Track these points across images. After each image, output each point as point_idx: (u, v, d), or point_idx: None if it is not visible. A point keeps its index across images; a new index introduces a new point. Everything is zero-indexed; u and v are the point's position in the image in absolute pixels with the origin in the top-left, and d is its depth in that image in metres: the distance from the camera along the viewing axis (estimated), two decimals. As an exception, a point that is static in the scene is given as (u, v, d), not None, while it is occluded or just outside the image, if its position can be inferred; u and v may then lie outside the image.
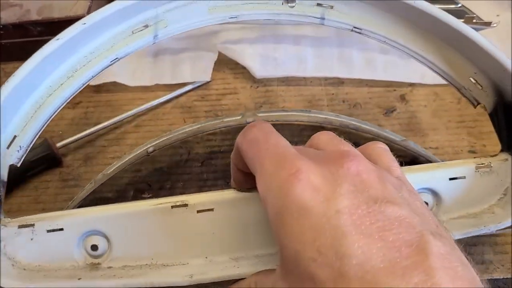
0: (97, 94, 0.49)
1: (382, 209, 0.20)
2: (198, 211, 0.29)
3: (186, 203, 0.28)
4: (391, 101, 0.47)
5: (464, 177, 0.30)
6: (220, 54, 0.50)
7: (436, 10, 0.30)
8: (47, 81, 0.30)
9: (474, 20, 0.47)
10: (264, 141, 0.24)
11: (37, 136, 0.30)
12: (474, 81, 0.32)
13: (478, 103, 0.32)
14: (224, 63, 0.50)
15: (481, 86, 0.32)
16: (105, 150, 0.44)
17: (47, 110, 0.30)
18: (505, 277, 0.35)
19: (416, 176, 0.29)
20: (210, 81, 0.49)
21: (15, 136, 0.30)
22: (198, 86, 0.49)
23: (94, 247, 0.29)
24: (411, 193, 0.23)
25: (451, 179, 0.30)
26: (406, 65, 0.48)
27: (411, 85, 0.48)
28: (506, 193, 0.31)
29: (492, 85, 0.32)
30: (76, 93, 0.31)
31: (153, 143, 0.41)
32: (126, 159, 0.40)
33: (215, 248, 0.29)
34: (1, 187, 0.30)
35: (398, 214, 0.20)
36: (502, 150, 0.32)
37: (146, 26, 0.31)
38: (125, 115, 0.46)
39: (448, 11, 0.50)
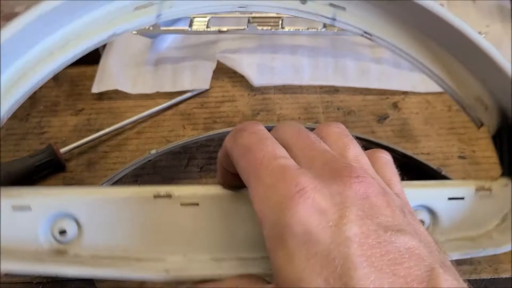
0: (99, 102, 0.50)
1: (392, 239, 0.19)
2: (182, 204, 0.27)
3: (170, 194, 0.27)
4: (384, 108, 0.49)
5: (463, 198, 0.29)
6: (218, 63, 0.51)
7: (455, 19, 0.28)
8: (37, 47, 0.27)
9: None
10: (259, 149, 0.22)
11: (17, 107, 0.28)
12: (480, 101, 0.31)
13: (482, 124, 0.32)
14: (223, 72, 0.52)
15: (486, 107, 0.31)
16: (107, 156, 0.46)
17: (31, 80, 0.27)
18: (492, 277, 0.36)
19: (415, 192, 0.29)
20: (209, 89, 0.50)
21: None
22: (197, 94, 0.50)
23: (63, 232, 0.26)
24: (412, 215, 0.22)
25: (449, 198, 0.29)
26: (399, 74, 0.50)
27: (404, 93, 0.50)
28: (505, 219, 0.30)
29: (497, 107, 0.31)
30: (65, 66, 0.28)
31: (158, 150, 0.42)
32: (131, 165, 0.42)
33: (196, 246, 0.27)
34: None
35: (408, 246, 0.19)
36: (502, 175, 0.31)
37: (151, 4, 0.29)
38: (127, 122, 0.47)
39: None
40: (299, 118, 0.48)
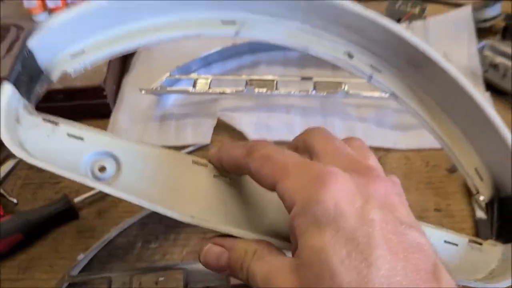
0: (109, 154, 0.55)
1: (406, 232, 0.21)
2: (215, 176, 0.29)
3: (207, 164, 0.29)
4: (369, 163, 0.54)
5: (457, 245, 0.32)
6: (218, 119, 0.57)
7: (475, 94, 0.32)
8: (137, 22, 0.32)
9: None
10: (278, 154, 0.24)
11: (101, 61, 0.32)
12: (477, 172, 0.35)
13: (478, 192, 0.35)
14: (222, 127, 0.57)
15: (482, 179, 0.35)
16: (116, 205, 0.50)
17: (121, 46, 0.32)
18: None
19: None
20: (209, 144, 0.56)
21: (83, 51, 0.31)
22: (199, 148, 0.55)
23: (103, 169, 0.28)
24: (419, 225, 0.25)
25: (445, 241, 0.32)
26: (382, 133, 0.55)
27: (386, 150, 0.55)
28: (492, 273, 0.32)
29: (492, 180, 0.34)
30: (151, 43, 0.33)
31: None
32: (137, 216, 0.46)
33: (221, 216, 0.28)
34: (45, 84, 0.31)
35: (418, 241, 0.21)
36: (492, 238, 0.35)
37: (234, 23, 0.34)
38: (135, 173, 0.52)
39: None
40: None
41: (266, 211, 0.29)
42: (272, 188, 0.23)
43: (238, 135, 0.56)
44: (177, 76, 0.58)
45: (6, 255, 0.46)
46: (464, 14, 0.64)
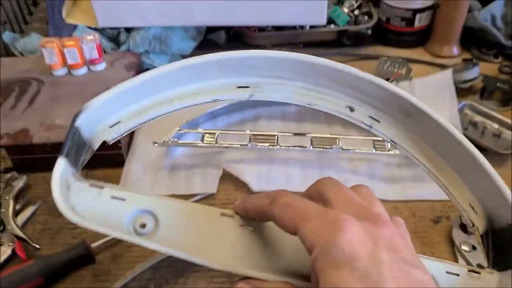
0: (123, 201, 0.59)
1: (411, 270, 0.24)
2: (241, 225, 0.33)
3: (233, 215, 0.33)
4: (361, 213, 0.59)
5: (458, 275, 0.36)
6: (224, 170, 0.62)
7: (463, 139, 0.36)
8: (163, 93, 0.37)
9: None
10: (298, 202, 0.27)
11: (135, 129, 0.37)
12: (472, 207, 0.39)
13: (473, 225, 0.39)
14: (227, 178, 0.62)
15: (476, 213, 0.39)
16: (130, 250, 0.54)
17: (151, 114, 0.36)
18: None
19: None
20: (215, 193, 0.60)
21: (119, 121, 0.35)
22: (206, 196, 0.60)
23: (143, 225, 0.32)
24: (421, 261, 0.27)
25: (447, 272, 0.36)
26: (373, 185, 0.61)
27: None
28: None
29: (485, 213, 0.38)
30: (178, 110, 0.37)
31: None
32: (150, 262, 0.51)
33: (247, 261, 0.32)
34: (89, 153, 0.35)
35: (421, 279, 0.24)
36: (488, 266, 0.38)
37: (248, 87, 0.38)
38: (147, 220, 0.57)
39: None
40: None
41: (286, 253, 0.32)
42: (294, 232, 0.27)
43: (242, 185, 0.61)
44: (186, 130, 0.64)
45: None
46: (445, 77, 0.71)
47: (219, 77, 0.38)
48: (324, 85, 0.39)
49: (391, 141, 0.39)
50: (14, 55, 0.84)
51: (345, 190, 0.30)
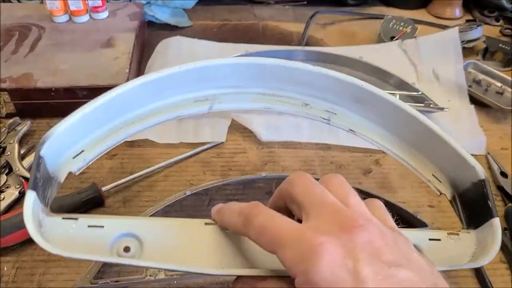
0: (130, 148, 0.59)
1: (395, 273, 0.23)
2: (226, 229, 0.33)
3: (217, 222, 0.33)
4: (368, 164, 0.60)
5: (440, 240, 0.38)
6: (233, 120, 0.62)
7: (417, 114, 0.38)
8: (123, 117, 0.37)
9: (431, 105, 0.61)
10: (274, 222, 0.27)
11: (99, 156, 0.36)
12: (435, 177, 0.41)
13: (441, 193, 0.42)
14: (236, 128, 0.62)
15: (441, 181, 0.41)
16: (140, 195, 0.54)
17: (113, 140, 0.37)
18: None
19: (405, 233, 0.37)
20: (224, 142, 0.60)
21: (82, 151, 0.35)
22: (215, 145, 0.60)
23: (127, 249, 0.31)
24: (406, 243, 0.27)
25: (430, 239, 0.38)
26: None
27: (384, 152, 0.60)
28: (474, 256, 0.38)
29: (449, 180, 0.40)
30: (139, 131, 0.38)
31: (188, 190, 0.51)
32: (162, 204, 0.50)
33: (237, 262, 0.32)
34: (55, 187, 0.34)
35: (407, 277, 0.24)
36: (463, 228, 0.40)
37: (206, 100, 0.40)
38: (156, 167, 0.56)
39: (411, 97, 0.65)
40: (299, 169, 0.58)
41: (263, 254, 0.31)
42: (273, 253, 0.26)
43: (250, 135, 0.61)
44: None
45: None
46: (452, 35, 0.72)
47: (178, 93, 0.39)
48: (279, 87, 0.40)
49: (350, 130, 0.41)
50: (10, 1, 0.81)
51: (316, 190, 0.29)
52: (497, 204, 0.54)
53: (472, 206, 0.39)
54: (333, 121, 0.41)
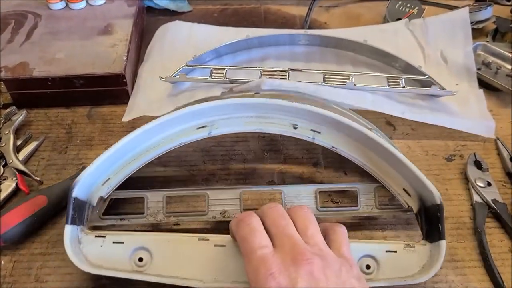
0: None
1: None
2: (216, 245, 0.41)
3: (208, 238, 0.41)
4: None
5: (396, 251, 0.43)
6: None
7: (382, 142, 0.44)
8: (140, 147, 0.45)
9: (439, 89, 0.59)
10: (250, 240, 0.35)
11: (121, 182, 0.45)
12: (405, 191, 0.46)
13: (408, 206, 0.45)
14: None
15: (410, 195, 0.45)
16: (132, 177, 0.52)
17: (132, 167, 0.45)
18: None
19: (365, 246, 0.43)
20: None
21: (108, 178, 0.44)
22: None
23: (140, 259, 0.41)
24: (349, 271, 0.35)
25: (387, 251, 0.42)
26: (390, 103, 0.59)
27: (390, 137, 0.59)
28: (423, 268, 0.42)
29: (417, 195, 0.45)
30: (150, 161, 0.45)
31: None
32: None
33: (224, 275, 0.40)
34: (90, 209, 0.43)
35: None
36: (423, 239, 0.44)
37: (205, 126, 0.46)
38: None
39: (417, 81, 0.63)
40: (302, 157, 0.57)
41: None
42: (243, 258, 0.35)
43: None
44: (193, 66, 0.61)
45: (36, 230, 0.48)
46: (461, 16, 0.69)
47: (183, 124, 0.46)
48: (270, 113, 0.46)
49: (332, 147, 0.47)
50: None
51: (282, 222, 0.37)
52: (506, 191, 0.53)
53: (432, 222, 0.43)
54: (317, 139, 0.46)
